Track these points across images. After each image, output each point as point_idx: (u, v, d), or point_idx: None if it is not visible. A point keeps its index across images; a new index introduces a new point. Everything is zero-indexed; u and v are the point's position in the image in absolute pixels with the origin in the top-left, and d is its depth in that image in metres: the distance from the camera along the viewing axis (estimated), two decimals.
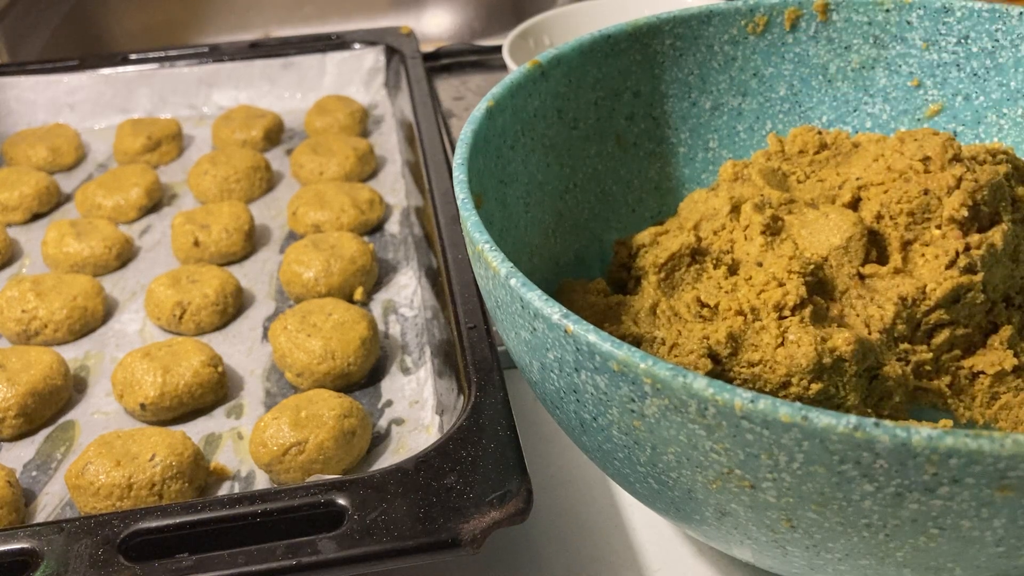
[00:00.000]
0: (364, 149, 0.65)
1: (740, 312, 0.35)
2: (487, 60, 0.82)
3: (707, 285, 0.37)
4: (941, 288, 0.36)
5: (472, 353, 0.40)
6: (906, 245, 0.38)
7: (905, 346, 0.36)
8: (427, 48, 0.81)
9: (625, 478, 0.31)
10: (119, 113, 0.74)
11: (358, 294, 0.52)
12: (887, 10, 0.46)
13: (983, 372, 0.37)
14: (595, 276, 0.43)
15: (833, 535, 0.26)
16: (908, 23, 0.46)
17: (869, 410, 0.35)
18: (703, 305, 0.36)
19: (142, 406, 0.44)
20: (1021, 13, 0.44)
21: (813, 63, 0.47)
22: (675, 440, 0.26)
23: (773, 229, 0.39)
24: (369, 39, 0.77)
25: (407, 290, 0.53)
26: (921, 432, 0.22)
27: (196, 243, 0.55)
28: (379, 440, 0.44)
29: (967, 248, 0.37)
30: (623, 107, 0.45)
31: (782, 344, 0.34)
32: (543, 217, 0.42)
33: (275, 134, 0.70)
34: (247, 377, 0.48)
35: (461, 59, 0.83)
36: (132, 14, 0.98)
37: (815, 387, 0.33)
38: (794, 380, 0.33)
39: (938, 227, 0.37)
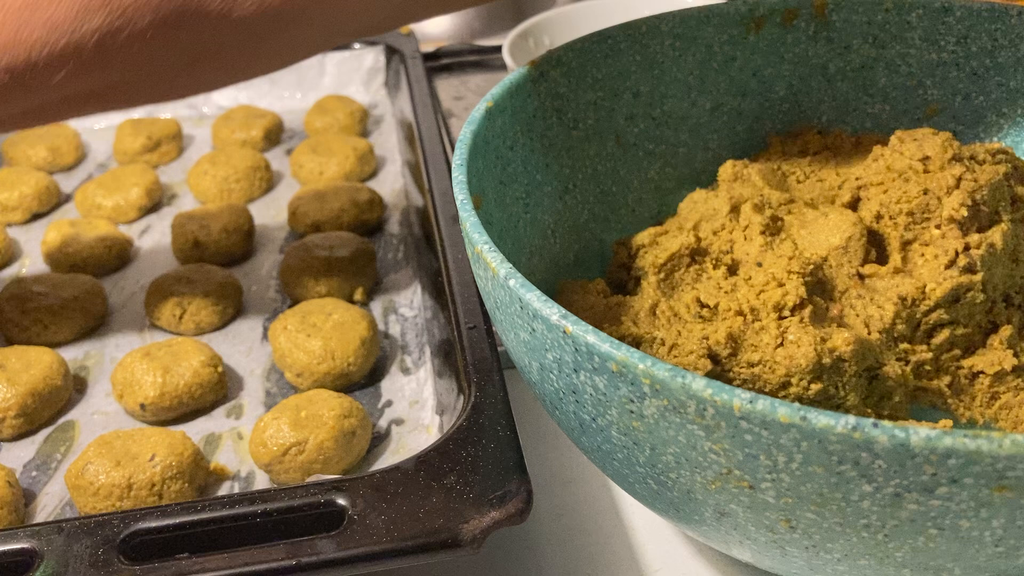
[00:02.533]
0: (364, 149, 0.65)
1: (740, 312, 0.35)
2: (487, 60, 0.82)
3: (707, 285, 0.37)
4: (941, 288, 0.36)
5: (472, 353, 0.40)
6: (906, 245, 0.38)
7: (905, 346, 0.36)
8: (427, 48, 0.81)
9: (624, 479, 0.31)
10: (119, 113, 0.73)
11: (358, 294, 0.52)
12: (887, 10, 0.46)
13: (983, 372, 0.37)
14: (595, 276, 0.43)
15: (832, 535, 0.26)
16: (908, 23, 0.46)
17: (869, 410, 0.35)
18: (703, 305, 0.36)
19: (142, 406, 0.44)
20: (1021, 13, 0.44)
21: (813, 63, 0.47)
22: (674, 441, 0.26)
23: (773, 229, 0.39)
24: (369, 39, 0.77)
25: (407, 290, 0.53)
26: (920, 432, 0.22)
27: (196, 243, 0.55)
28: (379, 440, 0.44)
29: (967, 248, 0.37)
30: (623, 107, 0.45)
31: (781, 344, 0.34)
32: (543, 217, 0.42)
33: (275, 134, 0.70)
34: (247, 377, 0.48)
35: (461, 59, 0.83)
36: None
37: (815, 387, 0.33)
38: (794, 380, 0.33)
39: (938, 227, 0.37)
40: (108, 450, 0.40)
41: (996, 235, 0.37)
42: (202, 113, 0.75)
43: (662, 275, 0.38)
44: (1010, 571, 0.26)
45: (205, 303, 0.50)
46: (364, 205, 0.58)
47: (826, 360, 0.33)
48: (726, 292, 0.36)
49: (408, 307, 0.52)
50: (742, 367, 0.34)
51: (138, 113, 0.74)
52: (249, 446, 0.42)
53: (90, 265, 0.55)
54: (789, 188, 0.44)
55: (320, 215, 0.57)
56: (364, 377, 0.47)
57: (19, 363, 0.45)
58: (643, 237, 0.41)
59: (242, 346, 0.50)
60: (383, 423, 0.45)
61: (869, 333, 0.36)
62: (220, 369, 0.46)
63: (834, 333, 0.34)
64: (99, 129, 0.73)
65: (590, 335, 0.26)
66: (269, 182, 0.64)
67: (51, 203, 0.63)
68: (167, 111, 0.74)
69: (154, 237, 0.60)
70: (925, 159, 0.39)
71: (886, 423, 0.22)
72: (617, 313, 0.38)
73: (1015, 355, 0.37)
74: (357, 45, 0.76)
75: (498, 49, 0.80)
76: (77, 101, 0.40)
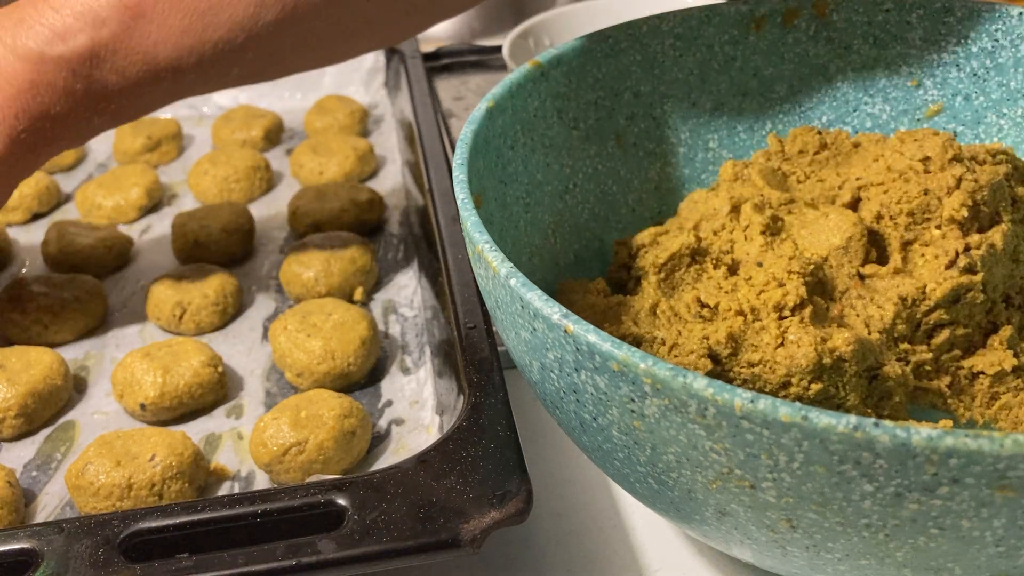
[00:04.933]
0: (364, 149, 0.65)
1: (740, 312, 0.35)
2: (487, 60, 0.82)
3: (707, 285, 0.37)
4: (941, 288, 0.36)
5: (472, 353, 0.40)
6: (906, 245, 0.38)
7: (905, 346, 0.36)
8: (427, 48, 0.81)
9: (625, 478, 0.31)
10: None
11: (358, 294, 0.52)
12: (887, 10, 0.46)
13: (983, 372, 0.37)
14: (595, 276, 0.43)
15: (833, 535, 0.26)
16: (908, 23, 0.46)
17: (869, 410, 0.35)
18: (703, 305, 0.36)
19: (142, 406, 0.44)
20: (1021, 13, 0.44)
21: (813, 63, 0.47)
22: (675, 440, 0.26)
23: (773, 229, 0.39)
24: None
25: (407, 290, 0.53)
26: (921, 432, 0.22)
27: (196, 243, 0.55)
28: (379, 440, 0.44)
29: (967, 248, 0.37)
30: (623, 107, 0.45)
31: (782, 344, 0.34)
32: (543, 217, 0.42)
33: (275, 134, 0.70)
34: (247, 377, 0.48)
35: (461, 59, 0.83)
36: None
37: (815, 387, 0.33)
38: (794, 380, 0.33)
39: (938, 227, 0.37)
40: (108, 450, 0.40)
41: (996, 235, 0.37)
42: (202, 113, 0.75)
43: (662, 275, 0.38)
44: (1010, 571, 0.26)
45: (205, 303, 0.50)
46: (364, 205, 0.58)
47: (826, 360, 0.33)
48: (726, 292, 0.36)
49: (408, 307, 0.52)
50: (742, 367, 0.34)
51: None
52: (249, 446, 0.42)
53: (90, 265, 0.55)
54: (789, 188, 0.44)
55: (320, 215, 0.57)
56: (364, 377, 0.47)
57: (19, 363, 0.45)
58: (643, 237, 0.41)
59: (242, 346, 0.50)
60: (383, 423, 0.45)
61: (869, 333, 0.36)
62: (220, 369, 0.46)
63: (834, 333, 0.34)
64: None
65: (591, 334, 0.26)
66: (269, 182, 0.64)
67: (51, 203, 0.63)
68: (167, 111, 0.74)
69: (154, 237, 0.60)
70: (925, 159, 0.39)
71: (887, 423, 0.22)
72: (617, 313, 0.38)
73: (1015, 355, 0.37)
74: None
75: (498, 49, 0.80)
76: (240, 80, 0.43)
